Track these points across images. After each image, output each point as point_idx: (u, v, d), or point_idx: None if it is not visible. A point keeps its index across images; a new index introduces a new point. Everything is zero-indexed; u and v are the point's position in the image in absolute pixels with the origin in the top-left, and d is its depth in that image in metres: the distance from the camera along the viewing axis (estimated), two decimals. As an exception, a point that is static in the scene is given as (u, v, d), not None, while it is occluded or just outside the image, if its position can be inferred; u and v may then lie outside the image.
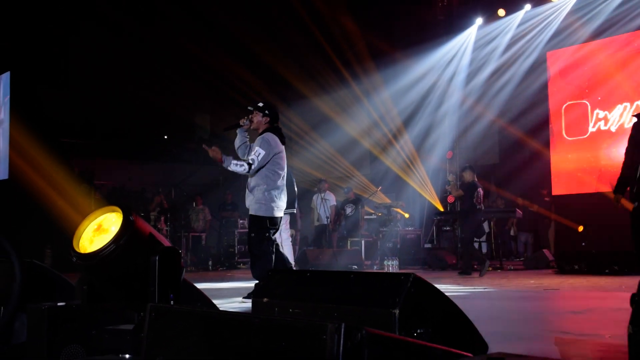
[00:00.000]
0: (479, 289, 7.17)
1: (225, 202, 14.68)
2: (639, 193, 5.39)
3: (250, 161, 5.71)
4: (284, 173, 5.96)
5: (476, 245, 14.32)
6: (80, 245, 2.73)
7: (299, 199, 13.31)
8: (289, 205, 7.67)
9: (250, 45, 13.86)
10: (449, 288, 7.19)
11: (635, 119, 5.65)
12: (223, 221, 14.63)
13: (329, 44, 14.17)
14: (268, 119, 6.02)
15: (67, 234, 2.88)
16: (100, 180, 14.15)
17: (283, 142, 6.06)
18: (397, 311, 2.34)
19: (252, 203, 5.87)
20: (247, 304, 5.27)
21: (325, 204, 12.28)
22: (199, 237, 13.96)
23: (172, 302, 2.72)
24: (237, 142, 6.12)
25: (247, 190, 5.97)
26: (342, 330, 1.62)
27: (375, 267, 11.41)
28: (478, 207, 9.93)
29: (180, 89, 15.82)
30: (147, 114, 15.78)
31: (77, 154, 14.23)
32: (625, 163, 5.60)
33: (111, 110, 15.14)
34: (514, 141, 13.72)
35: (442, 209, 13.75)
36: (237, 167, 5.67)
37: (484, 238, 14.14)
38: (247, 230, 9.91)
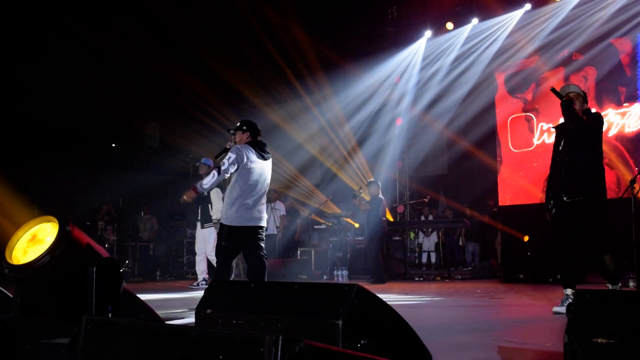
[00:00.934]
0: (425, 298, 7.22)
1: (173, 211, 14.49)
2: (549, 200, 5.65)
3: (221, 164, 5.89)
4: (256, 185, 6.02)
5: (425, 255, 14.54)
6: (13, 256, 2.63)
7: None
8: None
9: (201, 55, 13.77)
10: (396, 298, 7.21)
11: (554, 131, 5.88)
12: (171, 231, 14.42)
13: (280, 55, 14.19)
14: (248, 134, 6.21)
15: (1, 244, 2.77)
16: (45, 190, 13.77)
17: (263, 156, 6.14)
18: (340, 322, 2.32)
19: (223, 212, 6.02)
20: (192, 316, 5.19)
21: (275, 213, 12.23)
22: (146, 247, 13.71)
23: (110, 314, 2.64)
24: None
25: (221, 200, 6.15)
26: (280, 342, 1.58)
27: (325, 277, 11.39)
28: (383, 219, 10.75)
29: (130, 98, 15.56)
30: (95, 122, 15.46)
31: (20, 163, 13.82)
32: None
33: (59, 118, 14.76)
34: (462, 152, 13.93)
35: (391, 219, 13.84)
36: (208, 179, 5.89)
37: (433, 247, 14.32)
38: (194, 240, 9.89)
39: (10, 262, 2.60)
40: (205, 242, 9.46)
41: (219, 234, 6.06)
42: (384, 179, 14.62)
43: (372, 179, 11.17)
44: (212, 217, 9.42)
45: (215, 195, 9.47)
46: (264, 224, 5.99)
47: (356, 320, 2.37)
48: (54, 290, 2.68)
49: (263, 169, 6.13)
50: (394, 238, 13.34)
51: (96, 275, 2.61)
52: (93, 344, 2.13)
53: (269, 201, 12.37)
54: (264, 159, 6.18)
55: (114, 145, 17.23)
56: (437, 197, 15.01)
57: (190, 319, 5.02)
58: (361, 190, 10.84)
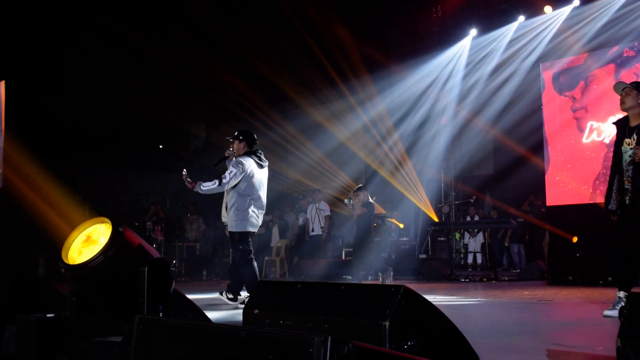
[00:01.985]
0: (472, 300, 7.15)
1: (220, 212, 14.67)
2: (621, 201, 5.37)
3: (222, 178, 6.33)
4: (259, 192, 6.61)
5: (471, 255, 14.39)
6: (68, 256, 2.71)
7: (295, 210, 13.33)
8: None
9: (245, 56, 13.90)
10: (442, 299, 7.16)
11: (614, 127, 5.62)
12: (217, 231, 14.60)
13: (324, 55, 14.22)
14: (245, 144, 6.69)
15: (56, 245, 2.86)
16: (95, 190, 14.09)
17: (261, 165, 6.68)
18: (387, 323, 2.33)
19: (229, 220, 6.61)
20: (239, 316, 5.26)
21: (319, 214, 12.27)
22: (193, 247, 13.93)
23: (160, 313, 2.70)
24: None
25: (224, 208, 6.77)
26: (329, 343, 1.60)
27: (369, 278, 11.37)
28: (374, 224, 11.21)
29: (176, 98, 15.82)
30: (142, 123, 15.75)
31: (71, 163, 14.19)
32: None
33: (107, 119, 15.10)
34: (508, 152, 13.72)
35: (436, 219, 13.75)
36: (209, 185, 6.29)
37: (478, 248, 14.17)
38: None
39: (66, 262, 2.69)
40: None
41: (232, 241, 6.58)
42: (429, 179, 14.52)
43: (360, 185, 11.48)
44: None
45: None
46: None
47: (403, 322, 2.38)
48: (107, 289, 2.75)
49: (262, 177, 6.69)
50: (439, 239, 13.24)
51: (148, 275, 2.68)
52: (145, 343, 2.18)
53: (313, 202, 12.44)
54: (262, 167, 6.71)
55: (161, 146, 17.53)
56: (483, 197, 14.83)
57: (238, 319, 5.08)
58: (352, 200, 10.98)
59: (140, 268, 2.69)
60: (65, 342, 2.80)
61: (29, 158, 10.83)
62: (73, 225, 2.88)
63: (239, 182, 6.47)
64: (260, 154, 6.73)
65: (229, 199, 6.61)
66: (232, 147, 6.71)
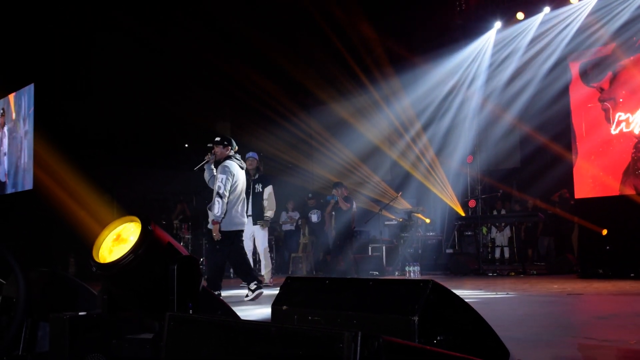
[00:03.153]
0: (500, 294, 7.09)
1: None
2: None
3: (218, 189, 6.79)
4: (241, 193, 7.12)
5: (498, 250, 14.27)
6: (99, 255, 2.75)
7: (320, 206, 13.34)
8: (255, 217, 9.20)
9: (268, 53, 13.93)
10: (470, 294, 7.13)
11: None
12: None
13: (347, 51, 14.19)
14: (228, 148, 7.15)
15: (87, 243, 2.90)
16: (122, 190, 14.25)
17: (241, 167, 7.19)
18: (416, 318, 2.32)
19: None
20: (267, 311, 5.31)
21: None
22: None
23: (190, 311, 2.73)
24: (207, 176, 7.24)
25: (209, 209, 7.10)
26: (359, 338, 1.60)
27: (396, 273, 11.36)
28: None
29: (200, 97, 15.90)
30: (167, 123, 15.87)
31: (99, 163, 14.36)
32: None
33: (132, 119, 15.24)
34: (535, 144, 13.58)
35: (463, 214, 13.65)
36: (217, 207, 6.76)
37: (506, 242, 14.05)
38: (270, 237, 10.01)
39: (97, 260, 2.72)
40: (256, 238, 9.53)
41: (215, 242, 6.88)
42: (455, 173, 14.43)
43: (338, 181, 11.95)
44: (265, 215, 9.48)
45: (270, 192, 9.54)
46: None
47: (432, 316, 2.37)
48: (137, 287, 2.78)
49: (243, 178, 7.18)
50: (466, 233, 13.15)
51: (177, 273, 2.70)
52: (176, 340, 2.21)
53: (338, 195, 12.41)
54: (242, 169, 7.19)
55: (186, 145, 17.64)
56: (510, 190, 14.70)
57: (266, 315, 5.10)
58: (335, 198, 11.15)
59: (170, 266, 2.72)
60: (97, 339, 2.83)
61: (59, 159, 10.99)
62: (103, 225, 2.91)
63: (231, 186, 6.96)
64: (239, 157, 7.23)
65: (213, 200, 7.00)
66: (214, 152, 7.15)
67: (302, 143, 17.96)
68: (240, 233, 7.13)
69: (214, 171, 7.18)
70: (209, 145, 7.29)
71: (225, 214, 6.88)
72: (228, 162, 7.01)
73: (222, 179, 6.86)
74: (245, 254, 7.31)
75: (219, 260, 7.03)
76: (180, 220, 13.28)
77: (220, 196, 6.79)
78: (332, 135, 16.83)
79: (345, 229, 12.10)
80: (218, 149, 7.16)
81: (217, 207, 6.78)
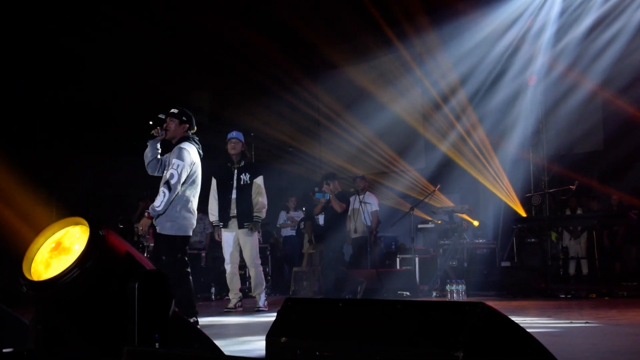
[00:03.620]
0: (577, 323, 7.08)
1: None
2: None
3: (170, 178, 6.78)
4: (195, 186, 7.13)
5: (573, 263, 14.23)
6: (32, 270, 2.75)
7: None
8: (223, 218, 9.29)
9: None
10: (534, 322, 7.12)
11: None
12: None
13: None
14: (186, 126, 7.22)
15: (15, 255, 2.89)
16: (64, 182, 14.25)
17: (200, 154, 7.22)
18: (460, 354, 2.32)
19: (161, 221, 6.95)
20: (260, 344, 5.32)
21: (365, 208, 12.24)
22: (197, 255, 13.99)
23: (157, 344, 2.73)
24: (149, 155, 7.22)
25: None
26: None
27: (434, 294, 11.36)
28: None
29: (169, 60, 15.88)
30: (125, 94, 15.86)
31: (32, 146, 14.36)
32: None
33: (77, 89, 15.25)
34: (623, 120, 13.54)
35: (524, 214, 13.62)
36: (160, 199, 6.76)
37: (583, 253, 14.01)
38: (264, 245, 9.97)
39: (29, 277, 2.72)
40: (243, 246, 9.51)
41: (171, 246, 6.94)
42: (513, 160, 14.39)
43: (333, 172, 12.15)
44: (255, 215, 9.43)
45: (259, 183, 9.49)
46: None
47: (482, 351, 2.37)
48: (84, 313, 2.78)
49: (200, 169, 7.19)
50: (528, 240, 13.11)
51: (139, 293, 2.70)
52: (137, 383, 2.21)
53: (356, 192, 12.42)
54: (200, 156, 7.21)
55: (151, 122, 17.66)
56: (589, 182, 14.64)
57: (259, 351, 5.12)
58: (322, 189, 11.18)
59: (129, 283, 2.72)
60: (30, 384, 2.84)
61: None
62: (37, 229, 2.91)
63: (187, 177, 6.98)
64: (197, 139, 7.28)
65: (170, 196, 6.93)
66: (166, 126, 7.15)
67: (305, 119, 17.97)
68: (187, 240, 7.17)
69: (159, 152, 7.25)
70: (160, 116, 7.27)
71: (167, 211, 6.86)
72: (187, 145, 7.04)
73: (177, 165, 6.84)
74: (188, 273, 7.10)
75: (181, 273, 6.95)
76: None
77: (170, 188, 6.78)
78: (346, 108, 16.82)
79: (363, 234, 12.11)
80: (172, 124, 7.19)
81: (161, 200, 6.76)
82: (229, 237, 9.51)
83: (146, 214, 6.92)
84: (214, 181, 9.56)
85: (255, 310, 9.37)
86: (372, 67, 16.60)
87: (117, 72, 14.70)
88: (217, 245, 14.25)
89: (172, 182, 6.76)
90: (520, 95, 14.40)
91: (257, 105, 16.14)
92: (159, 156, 7.22)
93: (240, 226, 9.34)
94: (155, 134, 7.13)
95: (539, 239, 12.71)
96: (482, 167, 14.88)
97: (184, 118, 7.22)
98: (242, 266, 10.50)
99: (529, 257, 13.11)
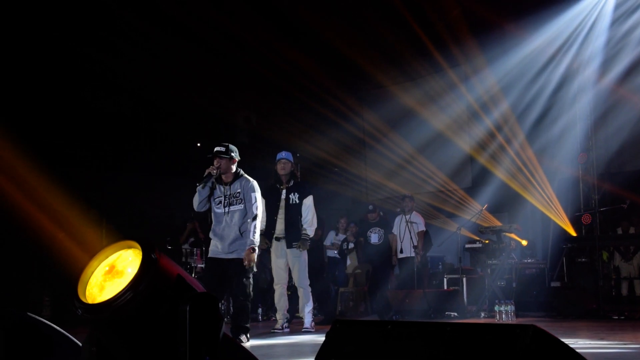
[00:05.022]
0: (632, 346, 6.98)
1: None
2: None
3: (256, 211, 7.81)
4: None
5: (625, 283, 14.00)
6: (87, 293, 2.79)
7: (384, 223, 13.37)
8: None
9: (306, 21, 13.91)
10: (587, 345, 7.02)
11: None
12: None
13: (412, 16, 14.08)
14: (236, 161, 7.98)
15: (69, 278, 2.93)
16: (115, 204, 14.37)
17: None
18: (512, 377, 2.31)
19: (239, 247, 7.79)
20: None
21: (411, 228, 12.22)
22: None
23: (208, 365, 2.76)
24: (202, 194, 7.90)
25: (222, 233, 7.88)
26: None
27: (482, 315, 11.26)
28: None
29: (217, 80, 15.98)
30: (174, 115, 16.02)
31: (82, 167, 14.51)
32: None
33: (127, 110, 15.41)
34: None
35: (574, 233, 13.46)
36: (254, 231, 7.77)
37: (636, 273, 13.79)
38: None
39: (84, 300, 2.76)
40: (292, 267, 9.50)
41: (245, 271, 7.80)
42: (562, 178, 14.25)
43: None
44: (303, 234, 9.47)
45: (308, 204, 9.49)
46: None
47: (534, 375, 2.35)
48: (137, 335, 2.81)
49: None
50: (579, 260, 12.93)
51: (190, 315, 2.73)
52: (189, 405, 2.24)
53: (402, 212, 12.41)
54: None
55: (199, 144, 17.78)
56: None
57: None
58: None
59: (181, 306, 2.75)
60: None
61: (21, 159, 10.83)
62: (90, 252, 2.95)
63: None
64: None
65: (238, 222, 7.86)
66: (217, 165, 7.82)
67: (351, 140, 17.97)
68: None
69: (206, 191, 7.93)
70: (209, 156, 7.90)
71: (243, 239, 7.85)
72: (250, 178, 8.00)
73: (255, 198, 7.85)
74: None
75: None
76: (192, 244, 13.39)
77: (255, 218, 7.78)
78: (391, 127, 16.81)
79: (409, 254, 12.10)
80: (225, 162, 7.89)
81: (252, 231, 7.73)
82: (277, 258, 9.52)
83: (250, 249, 7.68)
84: (262, 201, 9.61)
85: (302, 331, 9.37)
86: (417, 86, 16.57)
87: (163, 90, 14.83)
88: (264, 265, 14.32)
89: (258, 212, 7.84)
90: (568, 111, 14.26)
91: (302, 126, 16.19)
92: (206, 193, 7.93)
93: (289, 246, 9.35)
94: (212, 173, 7.80)
95: (589, 258, 12.54)
96: (530, 186, 14.75)
97: (232, 154, 7.91)
98: (290, 286, 10.50)
99: (579, 277, 12.95)
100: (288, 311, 9.73)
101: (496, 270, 12.06)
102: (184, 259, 12.68)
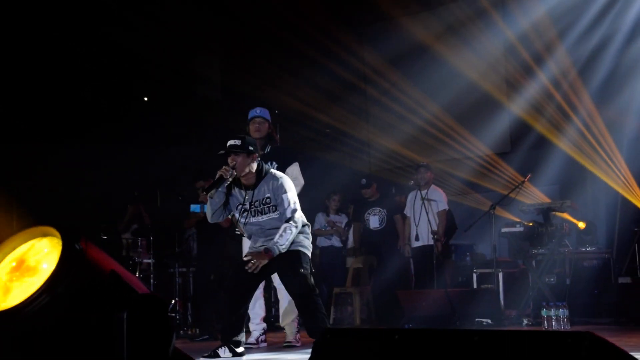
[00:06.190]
0: None
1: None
2: None
3: (291, 214, 7.84)
4: None
5: None
6: (-11, 296, 2.78)
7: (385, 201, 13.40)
8: None
9: None
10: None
11: None
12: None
13: None
14: (256, 155, 8.01)
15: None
16: (29, 180, 14.32)
17: None
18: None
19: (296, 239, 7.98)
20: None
21: (430, 207, 12.23)
22: (207, 276, 14.07)
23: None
24: (216, 202, 7.92)
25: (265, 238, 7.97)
26: None
27: (524, 322, 11.31)
28: None
29: (169, 16, 15.91)
30: (112, 62, 15.95)
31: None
32: None
33: (46, 57, 15.33)
34: None
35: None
36: (287, 236, 7.72)
37: None
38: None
39: (-17, 306, 2.74)
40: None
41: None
42: (633, 138, 14.22)
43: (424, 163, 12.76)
44: None
45: (294, 174, 9.47)
46: None
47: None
48: (56, 351, 2.80)
49: None
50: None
51: (128, 324, 2.72)
52: None
53: (417, 186, 12.41)
54: None
55: (145, 98, 17.71)
56: None
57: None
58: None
59: (117, 313, 2.74)
60: None
61: None
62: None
63: None
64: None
65: (274, 227, 7.89)
66: (233, 164, 7.78)
67: (348, 92, 17.94)
68: None
69: (220, 198, 7.90)
70: (221, 153, 7.87)
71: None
72: (278, 173, 8.16)
73: (293, 197, 8.02)
74: None
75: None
76: (135, 232, 13.37)
77: (295, 220, 7.85)
78: (403, 75, 16.77)
79: (427, 242, 12.13)
80: (242, 159, 7.83)
81: (287, 235, 7.74)
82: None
83: (266, 252, 7.68)
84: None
85: (284, 345, 9.39)
86: (435, 16, 16.52)
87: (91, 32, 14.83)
88: (232, 260, 14.33)
89: (297, 215, 7.89)
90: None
91: (282, 73, 16.15)
92: (221, 197, 7.92)
93: None
94: (227, 176, 7.76)
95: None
96: (591, 150, 14.73)
97: (250, 148, 7.88)
98: (268, 288, 10.51)
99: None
100: (265, 320, 9.72)
101: (544, 262, 12.11)
102: (124, 252, 12.68)
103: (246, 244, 9.45)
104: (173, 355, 2.94)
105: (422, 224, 12.31)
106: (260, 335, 9.51)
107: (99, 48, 15.49)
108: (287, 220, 7.75)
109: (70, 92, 15.86)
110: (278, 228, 7.77)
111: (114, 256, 3.10)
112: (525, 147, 15.89)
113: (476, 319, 11.06)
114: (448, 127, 16.33)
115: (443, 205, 12.63)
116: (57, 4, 14.29)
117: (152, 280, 12.62)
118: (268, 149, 9.49)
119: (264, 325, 9.66)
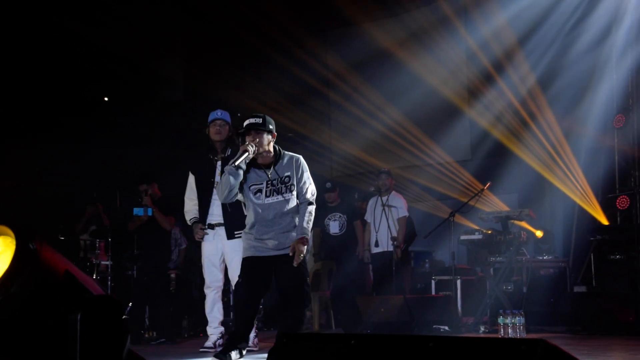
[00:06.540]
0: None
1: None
2: None
3: (311, 196, 7.93)
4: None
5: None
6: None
7: (346, 207, 13.39)
8: None
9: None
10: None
11: None
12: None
13: None
14: (275, 136, 7.93)
15: None
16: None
17: None
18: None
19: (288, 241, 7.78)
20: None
21: (390, 213, 12.26)
22: (166, 279, 14.02)
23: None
24: (232, 181, 7.58)
25: (268, 228, 7.76)
26: None
27: (481, 329, 11.36)
28: None
29: (135, 16, 15.86)
30: (73, 61, 15.87)
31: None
32: None
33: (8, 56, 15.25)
34: None
35: (606, 222, 13.58)
36: (312, 218, 7.85)
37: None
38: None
39: None
40: (229, 263, 9.40)
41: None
42: (590, 148, 14.34)
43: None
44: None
45: None
46: None
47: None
48: (9, 349, 2.78)
49: None
50: (612, 257, 13.08)
51: (82, 325, 2.70)
52: None
53: (378, 192, 12.45)
54: None
55: (106, 98, 17.64)
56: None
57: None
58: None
59: (71, 315, 2.72)
60: None
61: None
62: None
63: None
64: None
65: (286, 211, 7.80)
66: (254, 141, 7.63)
67: (312, 96, 17.96)
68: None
69: (239, 173, 7.65)
70: (240, 131, 7.80)
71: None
72: (295, 155, 8.12)
73: (310, 182, 8.07)
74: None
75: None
76: (93, 233, 13.30)
77: (313, 202, 7.92)
78: (365, 80, 16.81)
79: (386, 248, 12.16)
80: (264, 137, 7.75)
81: (307, 217, 7.80)
82: (211, 253, 9.42)
83: (302, 239, 7.62)
84: (191, 177, 9.54)
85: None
86: (399, 23, 16.57)
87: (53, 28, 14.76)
88: (192, 265, 14.32)
89: (314, 198, 7.94)
90: (599, 62, 14.33)
91: (245, 76, 16.14)
92: (238, 176, 7.65)
93: (230, 236, 9.25)
94: (251, 153, 7.59)
95: (626, 255, 12.66)
96: (549, 159, 14.84)
97: (271, 127, 7.83)
98: (226, 291, 10.48)
99: (612, 281, 13.07)
100: (223, 323, 9.68)
101: (501, 270, 12.16)
102: (82, 254, 12.61)
103: (208, 247, 9.48)
104: (127, 357, 2.93)
105: (382, 230, 12.36)
106: (218, 339, 9.47)
107: (61, 44, 15.38)
108: (309, 203, 7.84)
109: (29, 90, 15.74)
110: (284, 213, 7.73)
111: (71, 257, 3.09)
112: (485, 155, 15.99)
113: (434, 326, 11.09)
114: (409, 134, 16.39)
115: (403, 212, 12.68)
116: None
117: (109, 282, 12.56)
118: (228, 152, 9.43)
119: (222, 329, 9.62)
